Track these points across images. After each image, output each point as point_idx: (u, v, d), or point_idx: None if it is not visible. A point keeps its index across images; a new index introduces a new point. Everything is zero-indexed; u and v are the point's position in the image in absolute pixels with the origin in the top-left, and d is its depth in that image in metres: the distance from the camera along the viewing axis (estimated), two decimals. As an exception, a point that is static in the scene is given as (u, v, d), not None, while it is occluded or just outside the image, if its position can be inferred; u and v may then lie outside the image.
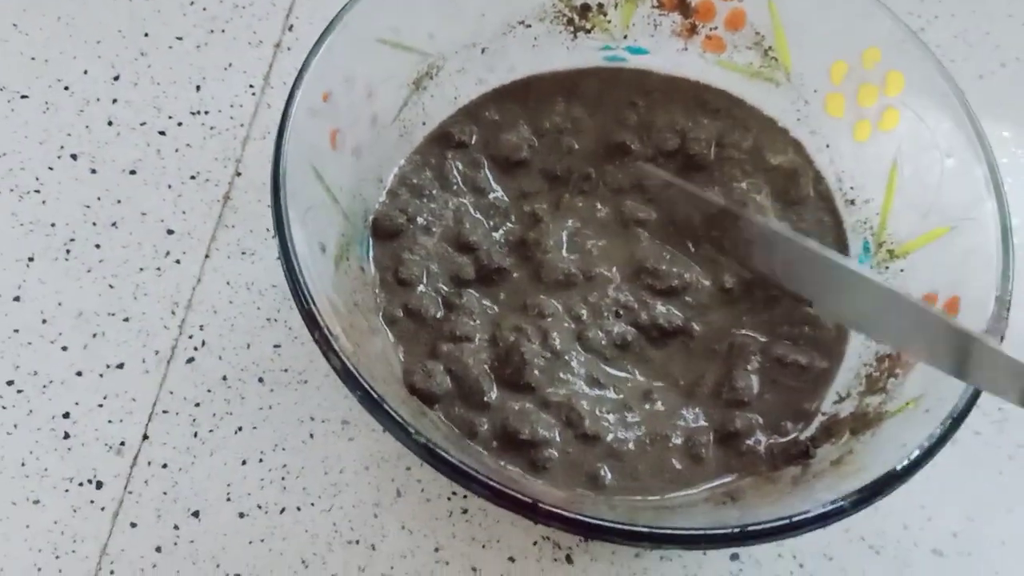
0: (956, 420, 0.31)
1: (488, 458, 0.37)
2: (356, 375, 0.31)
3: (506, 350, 0.39)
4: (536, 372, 0.38)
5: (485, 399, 0.38)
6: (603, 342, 0.40)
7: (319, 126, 0.37)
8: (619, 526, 0.29)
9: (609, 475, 0.37)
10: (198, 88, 0.49)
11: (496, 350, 0.39)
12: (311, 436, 0.41)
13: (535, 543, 0.39)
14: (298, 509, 0.39)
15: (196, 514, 0.39)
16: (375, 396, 0.31)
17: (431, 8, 0.41)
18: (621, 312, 0.41)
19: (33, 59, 0.49)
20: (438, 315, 0.40)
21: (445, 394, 0.38)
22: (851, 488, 0.31)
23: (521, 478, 0.36)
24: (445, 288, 0.41)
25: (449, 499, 0.40)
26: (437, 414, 0.38)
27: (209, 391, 0.41)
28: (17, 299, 0.43)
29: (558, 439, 0.37)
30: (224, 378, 0.42)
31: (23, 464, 0.40)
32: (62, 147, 0.47)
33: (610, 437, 0.38)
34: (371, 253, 0.41)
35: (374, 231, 0.41)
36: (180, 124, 0.48)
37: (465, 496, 0.40)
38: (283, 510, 0.39)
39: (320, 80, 0.37)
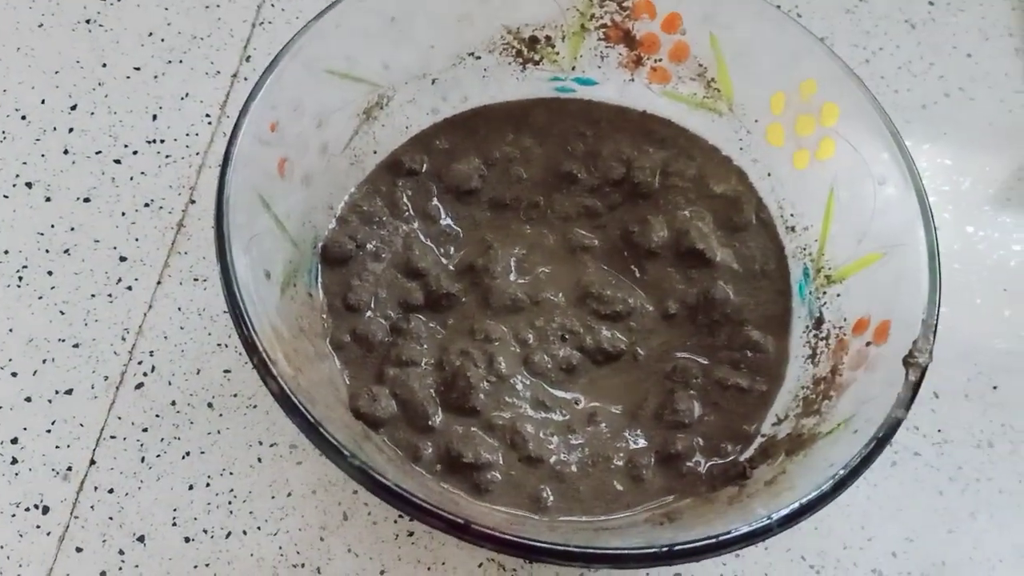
0: (880, 441, 0.32)
1: (431, 481, 0.37)
2: (293, 399, 0.31)
3: (452, 374, 0.39)
4: (481, 396, 0.39)
5: (430, 423, 0.38)
6: (549, 365, 0.40)
7: (267, 155, 0.38)
8: (551, 546, 0.30)
9: (551, 497, 0.37)
10: (155, 117, 0.49)
11: (442, 374, 0.40)
12: (259, 460, 0.41)
13: (480, 565, 0.40)
14: (244, 533, 0.40)
15: (141, 539, 0.39)
16: (311, 420, 0.31)
17: (380, 40, 0.42)
18: (567, 336, 0.41)
19: (-8, 88, 0.50)
20: (385, 340, 0.40)
21: (390, 418, 0.38)
22: (780, 507, 0.31)
23: (463, 500, 0.37)
24: (393, 314, 0.41)
25: (396, 522, 0.40)
26: (382, 438, 0.38)
27: (158, 416, 0.42)
28: (-32, 325, 0.43)
29: (501, 462, 0.38)
30: (173, 403, 0.42)
31: (-30, 490, 0.40)
32: (17, 175, 0.47)
33: (553, 459, 0.38)
34: (319, 279, 0.41)
35: (323, 257, 0.42)
36: (136, 152, 0.48)
37: (411, 519, 0.40)
38: (229, 534, 0.39)
39: (268, 109, 0.37)
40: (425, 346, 0.40)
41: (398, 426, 0.38)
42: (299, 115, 0.39)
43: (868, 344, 0.37)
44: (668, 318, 0.42)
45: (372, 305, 0.41)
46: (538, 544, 0.30)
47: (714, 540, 0.30)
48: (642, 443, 0.39)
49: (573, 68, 0.46)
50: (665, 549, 0.30)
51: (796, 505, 0.31)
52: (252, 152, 0.36)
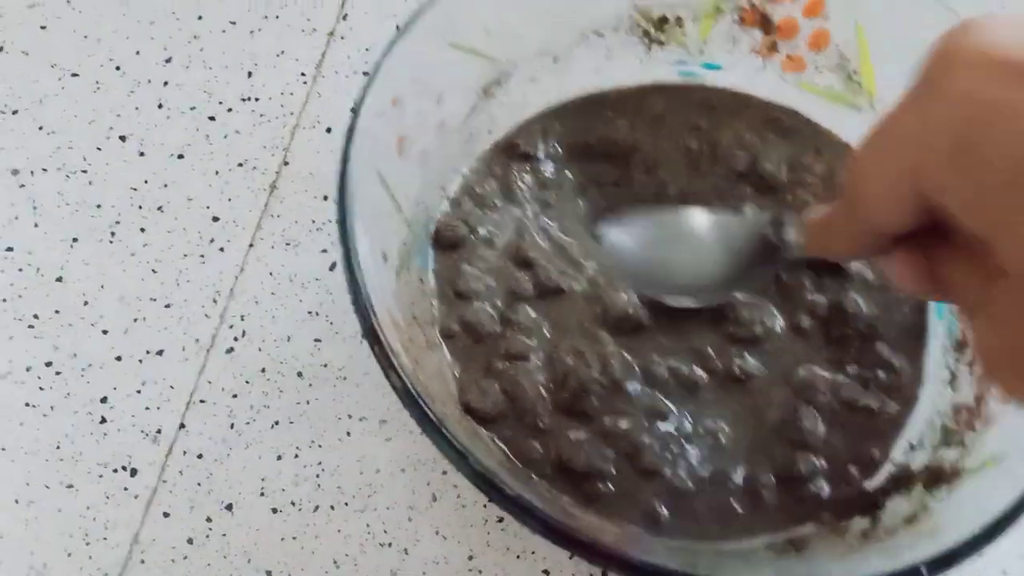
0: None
1: (540, 485, 0.36)
2: (415, 395, 0.30)
3: (563, 373, 0.38)
4: (594, 399, 0.37)
5: (540, 423, 0.37)
6: (668, 379, 0.38)
7: (386, 131, 0.36)
8: (683, 572, 0.28)
9: (666, 512, 0.36)
10: (249, 74, 0.48)
11: (552, 371, 0.38)
12: (348, 434, 0.40)
13: (571, 556, 0.38)
14: (332, 508, 0.39)
15: (229, 507, 0.39)
16: (434, 419, 0.30)
17: (507, 13, 0.40)
18: (695, 358, 0.39)
19: (85, 37, 0.49)
20: (494, 330, 0.39)
21: (499, 415, 0.37)
22: (928, 551, 0.29)
23: (573, 508, 0.35)
24: (501, 303, 0.40)
25: (485, 506, 0.39)
26: (491, 435, 0.37)
27: (247, 383, 0.41)
28: (60, 279, 0.43)
29: (615, 472, 0.36)
30: (263, 370, 0.41)
31: (58, 447, 0.39)
32: (111, 128, 0.46)
33: (668, 473, 0.36)
34: (432, 263, 0.40)
35: (435, 241, 0.40)
36: (230, 110, 0.47)
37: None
38: (316, 508, 0.39)
39: (391, 83, 0.36)
40: (535, 340, 0.39)
41: (507, 424, 0.37)
42: (420, 90, 0.38)
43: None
44: (799, 332, 0.40)
45: (482, 293, 0.40)
46: (671, 569, 0.28)
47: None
48: (762, 462, 0.37)
49: (701, 52, 0.44)
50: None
51: (950, 550, 0.29)
52: (374, 127, 0.35)
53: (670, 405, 0.38)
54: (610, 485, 0.36)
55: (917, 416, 0.38)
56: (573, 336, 0.39)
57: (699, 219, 0.40)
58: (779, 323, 0.40)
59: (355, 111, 0.34)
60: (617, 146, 0.43)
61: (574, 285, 0.40)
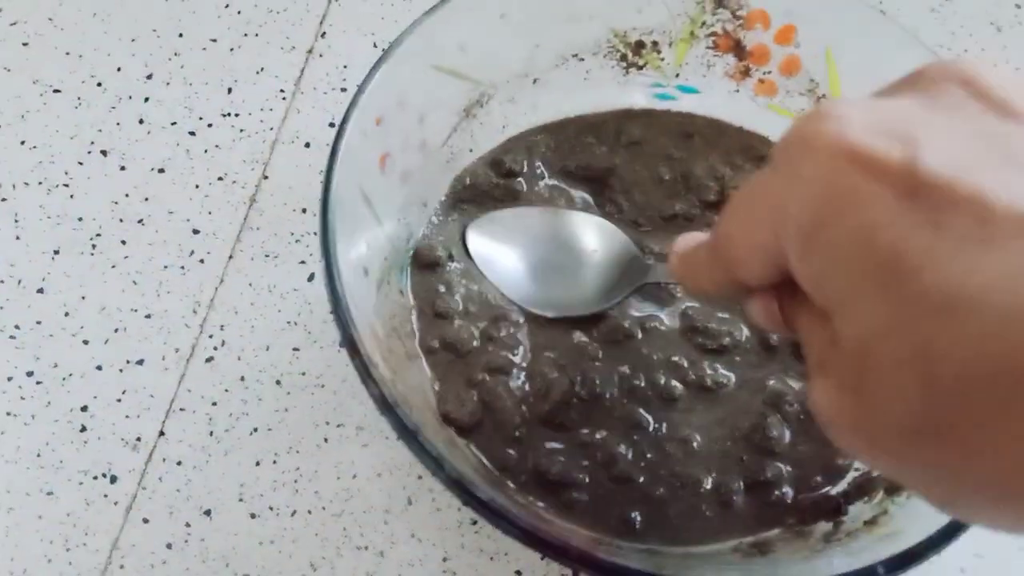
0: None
1: (516, 493, 0.37)
2: (393, 405, 0.31)
3: (545, 386, 0.39)
4: (572, 412, 0.38)
5: (517, 433, 0.38)
6: (647, 391, 0.39)
7: (370, 149, 0.37)
8: (650, 574, 0.29)
9: (639, 519, 0.37)
10: (229, 90, 0.49)
11: (534, 384, 0.39)
12: (325, 440, 0.41)
13: (543, 558, 0.39)
14: (309, 512, 0.39)
15: (208, 513, 0.39)
16: (409, 427, 0.31)
17: (489, 37, 0.42)
18: (670, 368, 0.40)
19: (67, 54, 0.50)
20: (475, 346, 0.40)
21: (477, 424, 0.38)
22: (887, 551, 0.30)
23: (548, 514, 0.36)
24: (484, 323, 0.40)
25: (459, 509, 0.40)
26: (468, 444, 0.38)
27: (227, 391, 0.42)
28: (41, 291, 0.43)
29: (589, 480, 0.37)
30: (242, 379, 0.42)
31: (39, 455, 0.40)
32: (92, 143, 0.47)
33: (642, 480, 0.37)
34: (410, 280, 0.41)
35: (414, 260, 0.41)
36: (210, 125, 0.48)
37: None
38: (294, 513, 0.39)
39: (375, 103, 0.37)
40: (517, 354, 0.40)
41: (485, 433, 0.38)
42: (403, 110, 0.39)
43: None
44: (769, 348, 0.41)
45: (462, 314, 0.41)
46: (641, 571, 0.29)
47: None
48: (732, 469, 0.38)
49: (677, 75, 0.45)
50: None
51: (908, 551, 0.30)
52: (357, 146, 0.36)
53: (646, 415, 0.39)
54: (584, 495, 0.37)
55: None
56: (556, 349, 0.40)
57: (575, 226, 0.42)
58: (746, 334, 0.41)
59: (339, 130, 0.35)
60: (595, 170, 0.44)
61: None
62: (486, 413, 0.38)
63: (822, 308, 0.23)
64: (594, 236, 0.42)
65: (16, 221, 0.45)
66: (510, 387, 0.39)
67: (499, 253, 0.42)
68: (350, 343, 0.32)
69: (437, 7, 0.39)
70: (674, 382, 0.39)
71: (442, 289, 0.41)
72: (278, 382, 0.42)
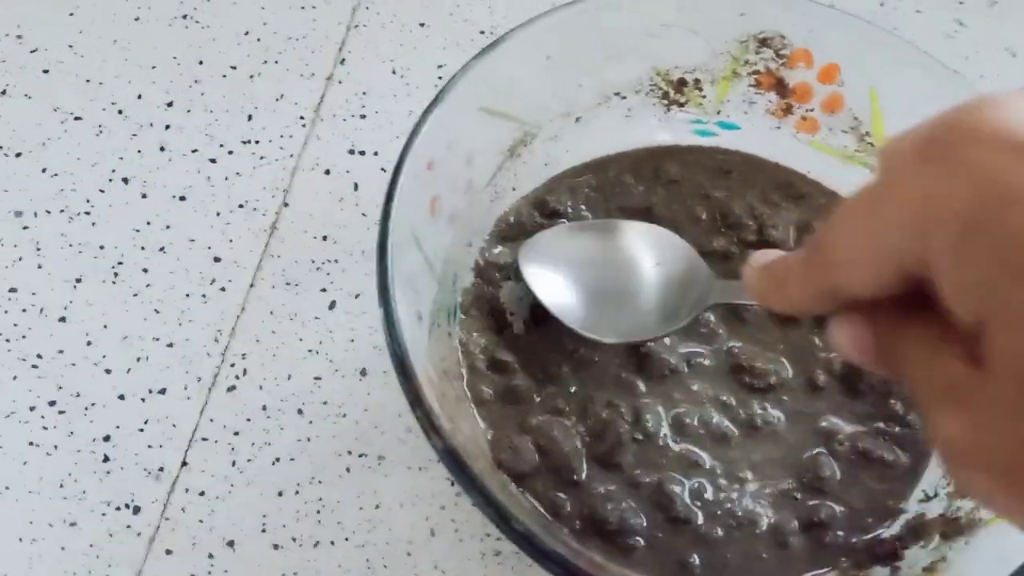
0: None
1: (570, 538, 0.36)
2: (458, 457, 0.31)
3: (600, 427, 0.39)
4: (629, 454, 0.38)
5: (575, 477, 0.38)
6: (700, 431, 0.39)
7: (420, 193, 0.37)
8: None
9: (698, 563, 0.36)
10: (250, 117, 0.49)
11: (588, 425, 0.39)
12: (348, 470, 0.41)
13: (568, 590, 0.39)
14: (332, 543, 0.39)
15: (231, 544, 0.39)
16: (475, 479, 0.30)
17: (534, 77, 0.42)
18: (719, 407, 0.40)
19: (88, 81, 0.50)
20: (526, 386, 0.40)
21: (532, 470, 0.38)
22: None
23: (606, 561, 0.36)
24: (534, 367, 0.40)
25: (482, 540, 0.40)
26: (521, 489, 0.38)
27: (248, 420, 0.42)
28: (63, 319, 0.43)
29: (645, 524, 0.37)
30: (264, 408, 0.42)
31: (61, 485, 0.40)
32: (114, 170, 0.47)
33: (699, 521, 0.37)
34: (458, 320, 0.41)
35: (463, 305, 0.41)
36: (231, 153, 0.48)
37: (499, 538, 0.40)
38: (317, 543, 0.39)
39: (427, 148, 0.37)
40: (569, 395, 0.40)
41: (540, 478, 0.38)
42: (452, 153, 0.39)
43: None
44: (815, 388, 0.40)
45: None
46: None
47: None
48: (786, 509, 0.38)
49: (718, 112, 0.45)
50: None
51: None
52: (410, 190, 0.36)
53: (701, 454, 0.39)
54: (640, 539, 0.37)
55: (932, 468, 0.39)
56: (607, 388, 0.40)
57: (634, 238, 0.40)
58: (791, 373, 0.41)
59: (394, 176, 0.35)
60: (633, 211, 0.44)
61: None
62: (541, 457, 0.38)
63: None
64: (655, 248, 0.40)
65: (38, 249, 0.45)
66: (566, 428, 0.39)
67: (552, 278, 0.40)
68: (414, 395, 0.32)
69: (488, 50, 0.39)
70: (726, 421, 0.39)
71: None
72: (300, 411, 0.42)
